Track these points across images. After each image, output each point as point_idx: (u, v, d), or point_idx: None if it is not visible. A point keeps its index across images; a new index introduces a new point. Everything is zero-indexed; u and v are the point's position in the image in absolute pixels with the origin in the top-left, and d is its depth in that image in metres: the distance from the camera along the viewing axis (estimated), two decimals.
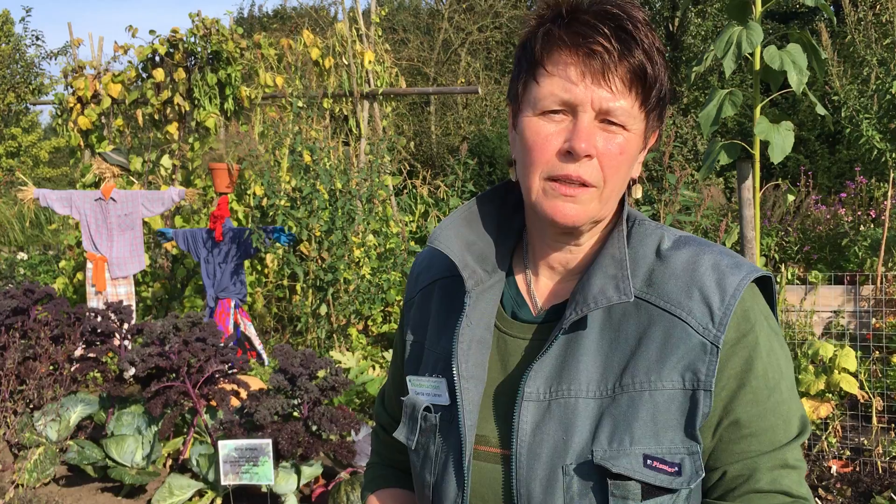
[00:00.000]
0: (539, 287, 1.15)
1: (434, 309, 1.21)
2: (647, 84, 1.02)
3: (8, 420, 4.42)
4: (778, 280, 5.37)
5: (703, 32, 18.45)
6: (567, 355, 1.04)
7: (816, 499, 3.82)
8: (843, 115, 5.03)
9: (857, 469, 4.19)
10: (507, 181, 1.18)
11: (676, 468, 0.99)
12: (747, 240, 3.81)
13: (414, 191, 8.91)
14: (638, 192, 1.13)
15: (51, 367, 4.89)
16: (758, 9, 3.67)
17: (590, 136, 1.00)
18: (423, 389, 1.15)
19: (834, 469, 4.15)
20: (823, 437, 4.29)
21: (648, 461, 0.98)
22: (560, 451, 1.01)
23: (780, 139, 3.52)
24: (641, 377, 1.00)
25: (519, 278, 1.17)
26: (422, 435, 1.13)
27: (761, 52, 3.61)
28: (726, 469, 1.03)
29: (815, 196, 8.14)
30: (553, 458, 1.01)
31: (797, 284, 5.53)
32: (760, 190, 3.87)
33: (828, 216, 7.39)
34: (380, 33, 7.86)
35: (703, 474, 1.00)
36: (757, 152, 3.73)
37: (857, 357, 4.28)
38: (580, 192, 1.03)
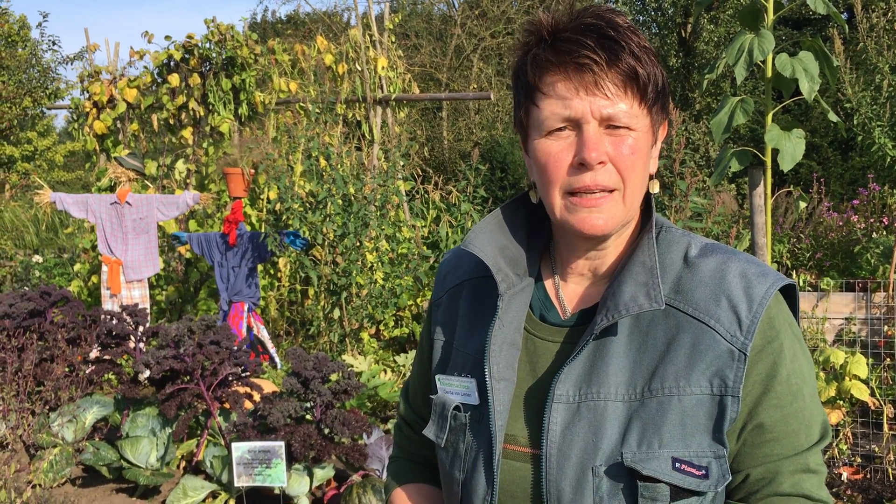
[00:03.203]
0: (567, 291, 1.18)
1: (462, 309, 1.24)
2: (640, 83, 1.05)
3: (25, 420, 4.47)
4: None
5: (715, 39, 18.38)
6: (596, 359, 1.07)
7: None
8: (855, 122, 5.03)
9: (868, 476, 4.18)
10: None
11: (704, 471, 1.01)
12: (759, 246, 3.82)
13: (426, 196, 8.93)
14: (655, 188, 1.15)
15: (67, 369, 4.95)
16: (770, 16, 3.68)
17: (597, 144, 1.03)
18: (452, 389, 1.18)
19: (845, 476, 4.15)
20: (834, 444, 4.29)
21: (677, 464, 1.01)
22: (590, 452, 1.03)
23: (791, 147, 3.53)
24: (670, 382, 1.03)
25: (547, 283, 1.20)
26: (451, 433, 1.16)
27: (773, 60, 3.62)
28: (749, 472, 1.05)
29: (827, 203, 8.10)
30: (583, 459, 1.03)
31: (809, 291, 5.52)
32: (772, 196, 3.88)
33: (840, 223, 7.35)
34: (393, 39, 7.91)
35: (730, 478, 1.03)
36: (769, 159, 3.74)
37: (868, 364, 4.28)
38: (603, 199, 1.06)
